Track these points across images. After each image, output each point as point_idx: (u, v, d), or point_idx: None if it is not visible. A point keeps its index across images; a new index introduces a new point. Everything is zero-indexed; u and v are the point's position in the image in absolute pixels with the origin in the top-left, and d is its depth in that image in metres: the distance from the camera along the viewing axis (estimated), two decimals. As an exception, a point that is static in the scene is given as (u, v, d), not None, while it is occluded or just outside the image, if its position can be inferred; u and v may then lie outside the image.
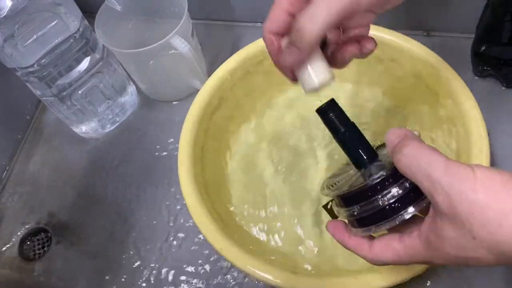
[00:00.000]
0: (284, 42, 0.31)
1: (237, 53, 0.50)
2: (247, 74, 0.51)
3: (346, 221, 0.33)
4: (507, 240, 0.24)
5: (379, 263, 0.30)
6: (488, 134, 0.42)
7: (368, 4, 0.29)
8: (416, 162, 0.27)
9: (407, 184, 0.29)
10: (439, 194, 0.25)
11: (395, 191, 0.29)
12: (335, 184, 0.35)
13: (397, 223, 0.29)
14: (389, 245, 0.29)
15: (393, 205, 0.29)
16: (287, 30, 0.31)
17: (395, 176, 0.29)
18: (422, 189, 0.27)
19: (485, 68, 0.53)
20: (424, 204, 0.28)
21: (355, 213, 0.30)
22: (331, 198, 0.36)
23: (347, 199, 0.31)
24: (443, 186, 0.25)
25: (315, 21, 0.28)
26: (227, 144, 0.52)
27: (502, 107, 0.52)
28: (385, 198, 0.29)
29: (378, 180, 0.29)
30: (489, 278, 0.44)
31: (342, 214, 0.32)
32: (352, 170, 0.34)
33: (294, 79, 0.33)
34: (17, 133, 0.62)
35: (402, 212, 0.29)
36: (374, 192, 0.29)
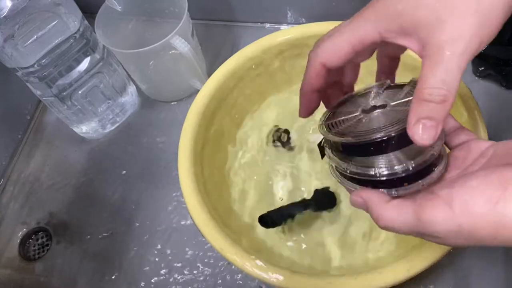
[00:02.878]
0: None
1: (237, 53, 0.50)
2: (247, 74, 0.51)
3: (334, 167, 0.31)
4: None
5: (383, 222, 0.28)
6: (488, 134, 0.42)
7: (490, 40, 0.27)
8: (393, 226, 0.27)
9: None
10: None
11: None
12: (336, 124, 0.31)
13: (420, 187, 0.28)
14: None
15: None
16: (341, 67, 0.31)
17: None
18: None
19: (485, 68, 0.53)
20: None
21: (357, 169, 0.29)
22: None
23: (349, 148, 0.29)
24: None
25: (450, 89, 0.25)
26: (227, 144, 0.52)
27: (502, 107, 0.52)
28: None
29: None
30: (491, 282, 0.44)
31: (339, 163, 0.30)
32: (358, 112, 0.31)
33: (306, 115, 0.34)
34: (17, 133, 0.62)
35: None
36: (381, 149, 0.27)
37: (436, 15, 0.25)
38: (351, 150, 0.30)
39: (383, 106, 0.30)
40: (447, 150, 0.32)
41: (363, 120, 0.30)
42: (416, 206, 0.26)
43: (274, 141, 0.53)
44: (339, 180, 0.31)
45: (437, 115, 0.25)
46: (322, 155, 0.34)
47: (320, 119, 0.34)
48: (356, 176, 0.29)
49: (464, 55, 0.25)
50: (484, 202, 0.24)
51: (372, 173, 0.28)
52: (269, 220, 0.44)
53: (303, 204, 0.47)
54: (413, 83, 0.31)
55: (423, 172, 0.28)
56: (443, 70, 0.25)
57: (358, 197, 0.29)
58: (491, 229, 0.24)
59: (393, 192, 0.28)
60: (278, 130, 0.53)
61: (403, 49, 0.31)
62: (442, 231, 0.25)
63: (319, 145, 0.34)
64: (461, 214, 0.24)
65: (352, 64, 0.34)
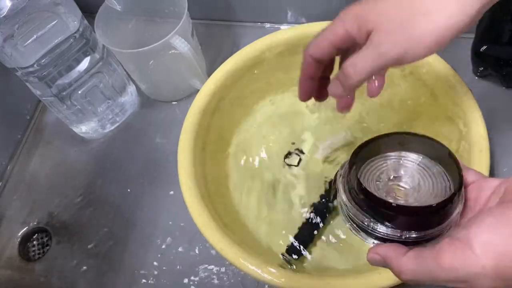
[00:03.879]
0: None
1: (237, 53, 0.50)
2: (247, 74, 0.51)
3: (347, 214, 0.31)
4: None
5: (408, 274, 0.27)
6: (488, 134, 0.42)
7: (414, 59, 0.31)
8: (416, 278, 0.26)
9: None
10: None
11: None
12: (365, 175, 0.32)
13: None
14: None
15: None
16: (328, 61, 0.35)
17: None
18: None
19: (485, 68, 0.53)
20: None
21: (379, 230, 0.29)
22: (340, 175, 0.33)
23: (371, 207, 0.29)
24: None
25: (359, 72, 0.31)
26: (227, 144, 0.52)
27: (502, 107, 0.52)
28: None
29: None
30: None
31: (359, 216, 0.30)
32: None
33: (305, 99, 0.38)
34: (17, 133, 0.61)
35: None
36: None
37: (378, 22, 0.31)
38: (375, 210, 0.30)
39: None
40: None
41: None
42: (435, 253, 0.25)
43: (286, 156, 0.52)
44: (351, 229, 0.31)
45: (346, 84, 0.33)
46: (334, 196, 0.33)
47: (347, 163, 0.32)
48: (376, 234, 0.29)
49: (384, 54, 0.31)
50: (503, 240, 0.23)
51: (399, 235, 0.28)
52: (298, 247, 0.46)
53: (320, 213, 0.47)
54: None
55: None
56: (363, 56, 0.31)
57: (375, 255, 0.28)
58: None
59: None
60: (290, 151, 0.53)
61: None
62: (465, 275, 0.24)
63: (330, 183, 0.34)
64: (482, 255, 0.24)
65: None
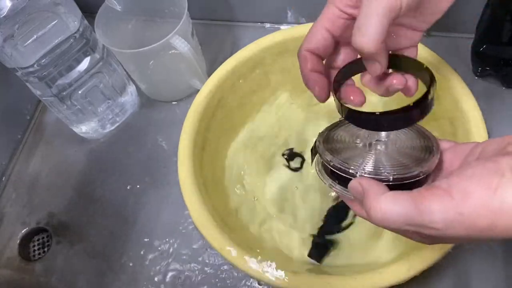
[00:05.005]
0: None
1: (237, 53, 0.50)
2: (247, 74, 0.51)
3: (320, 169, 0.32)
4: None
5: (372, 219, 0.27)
6: (488, 134, 0.42)
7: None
8: (387, 217, 0.26)
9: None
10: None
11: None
12: (334, 150, 0.33)
13: None
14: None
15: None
16: (325, 50, 0.33)
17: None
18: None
19: (485, 68, 0.53)
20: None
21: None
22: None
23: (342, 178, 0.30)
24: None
25: (368, 36, 0.28)
26: (227, 144, 0.52)
27: (502, 107, 0.52)
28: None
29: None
30: (491, 282, 0.44)
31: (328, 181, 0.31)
32: (360, 148, 0.33)
33: (322, 98, 0.34)
34: (17, 133, 0.62)
35: None
36: None
37: None
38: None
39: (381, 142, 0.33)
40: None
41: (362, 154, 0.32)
42: (414, 196, 0.25)
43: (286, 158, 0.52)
44: (325, 182, 0.32)
45: (360, 48, 0.29)
46: (312, 160, 0.34)
47: (324, 131, 0.34)
48: (339, 173, 0.30)
49: (384, 9, 0.28)
50: (484, 189, 0.23)
51: (353, 171, 0.29)
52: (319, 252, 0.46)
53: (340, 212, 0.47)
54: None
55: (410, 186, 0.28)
56: (363, 16, 0.29)
57: (358, 184, 0.28)
58: (492, 215, 0.23)
59: None
60: (291, 152, 0.53)
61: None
62: (442, 220, 0.24)
63: (312, 149, 0.34)
64: (461, 202, 0.24)
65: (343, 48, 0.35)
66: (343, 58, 0.35)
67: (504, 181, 0.23)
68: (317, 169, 0.33)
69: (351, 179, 0.29)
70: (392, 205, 0.26)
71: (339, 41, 0.34)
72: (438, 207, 0.24)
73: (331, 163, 0.30)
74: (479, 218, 0.23)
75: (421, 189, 0.25)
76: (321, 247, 0.46)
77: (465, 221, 0.24)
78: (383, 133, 0.34)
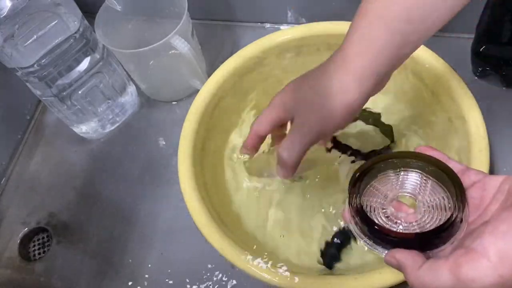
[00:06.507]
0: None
1: (237, 53, 0.50)
2: (247, 74, 0.51)
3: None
4: None
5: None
6: (488, 134, 0.42)
7: (333, 131, 0.38)
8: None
9: None
10: None
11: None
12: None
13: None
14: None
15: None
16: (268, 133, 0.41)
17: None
18: None
19: (485, 68, 0.53)
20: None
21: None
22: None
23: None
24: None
25: (292, 154, 0.36)
26: (227, 144, 0.52)
27: (502, 107, 0.52)
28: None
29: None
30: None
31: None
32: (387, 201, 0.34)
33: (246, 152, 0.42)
34: (17, 133, 0.62)
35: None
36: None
37: (299, 109, 0.37)
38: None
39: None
40: None
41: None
42: (451, 264, 0.25)
43: None
44: (364, 242, 0.32)
45: (285, 165, 0.38)
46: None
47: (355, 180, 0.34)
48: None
49: (307, 133, 0.36)
50: None
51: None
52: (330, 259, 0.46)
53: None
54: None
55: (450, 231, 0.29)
56: (289, 139, 0.37)
57: (392, 259, 0.29)
58: None
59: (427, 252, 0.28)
60: None
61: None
62: (484, 286, 0.24)
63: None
64: (500, 264, 0.23)
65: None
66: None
67: None
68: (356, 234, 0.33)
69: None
70: (433, 279, 0.26)
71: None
72: (478, 274, 0.24)
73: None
74: None
75: (457, 256, 0.25)
76: (331, 253, 0.46)
77: (508, 282, 0.23)
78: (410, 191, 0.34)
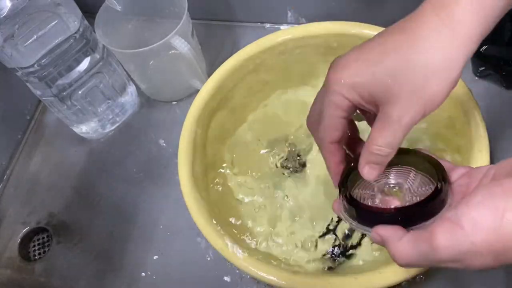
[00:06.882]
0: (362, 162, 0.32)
1: (237, 53, 0.50)
2: (247, 74, 0.51)
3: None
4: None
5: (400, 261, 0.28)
6: (488, 134, 0.42)
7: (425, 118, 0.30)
8: (411, 262, 0.27)
9: None
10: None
11: None
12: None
13: None
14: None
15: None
16: (343, 136, 0.33)
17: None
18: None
19: (485, 68, 0.53)
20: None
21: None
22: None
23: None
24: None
25: (393, 147, 0.30)
26: (227, 144, 0.52)
27: (502, 107, 0.52)
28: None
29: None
30: (489, 280, 0.44)
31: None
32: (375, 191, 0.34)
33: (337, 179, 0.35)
34: (17, 133, 0.62)
35: None
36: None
37: (387, 93, 0.29)
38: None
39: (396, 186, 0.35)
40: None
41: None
42: (428, 235, 0.26)
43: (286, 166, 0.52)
44: (351, 224, 0.32)
45: (381, 162, 0.31)
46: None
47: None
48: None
49: (408, 125, 0.29)
50: (491, 215, 0.24)
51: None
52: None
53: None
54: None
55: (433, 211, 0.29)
56: (390, 135, 0.29)
57: (376, 235, 0.29)
58: (505, 241, 0.23)
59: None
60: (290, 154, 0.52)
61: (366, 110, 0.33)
62: (457, 253, 0.24)
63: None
64: (472, 232, 0.24)
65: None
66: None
67: (510, 204, 0.23)
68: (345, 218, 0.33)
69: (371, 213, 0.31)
70: (411, 250, 0.27)
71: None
72: (450, 241, 0.25)
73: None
74: (493, 244, 0.24)
75: (434, 226, 0.26)
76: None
77: (480, 250, 0.24)
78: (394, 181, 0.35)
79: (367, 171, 0.31)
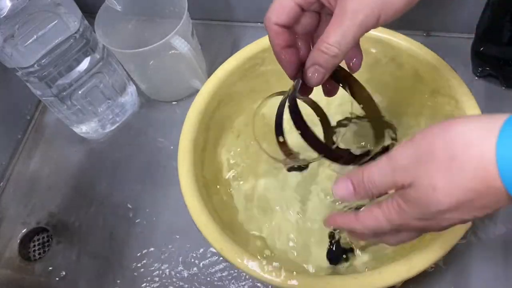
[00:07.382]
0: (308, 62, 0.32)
1: (237, 53, 0.50)
2: (247, 74, 0.51)
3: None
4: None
5: (367, 230, 0.31)
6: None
7: (391, 19, 0.30)
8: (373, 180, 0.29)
9: None
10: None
11: None
12: None
13: None
14: (370, 211, 0.30)
15: None
16: (294, 23, 0.32)
17: None
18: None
19: (485, 68, 0.53)
20: None
21: None
22: None
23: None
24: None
25: (344, 48, 0.29)
26: (227, 144, 0.52)
27: (502, 107, 0.52)
28: None
29: None
30: (491, 282, 0.44)
31: None
32: None
33: (293, 76, 0.34)
34: (17, 133, 0.62)
35: None
36: None
37: None
38: None
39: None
40: None
41: None
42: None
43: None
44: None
45: (327, 65, 0.31)
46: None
47: None
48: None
49: (361, 24, 0.29)
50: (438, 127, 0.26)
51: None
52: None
53: None
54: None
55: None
56: (340, 34, 0.29)
57: (329, 225, 0.33)
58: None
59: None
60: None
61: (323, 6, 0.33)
62: (408, 156, 0.27)
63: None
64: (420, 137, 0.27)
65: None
66: (305, 24, 0.34)
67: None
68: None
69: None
70: (374, 167, 0.29)
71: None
72: (402, 148, 0.28)
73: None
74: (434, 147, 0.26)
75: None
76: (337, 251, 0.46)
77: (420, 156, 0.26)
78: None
79: (311, 73, 0.31)
